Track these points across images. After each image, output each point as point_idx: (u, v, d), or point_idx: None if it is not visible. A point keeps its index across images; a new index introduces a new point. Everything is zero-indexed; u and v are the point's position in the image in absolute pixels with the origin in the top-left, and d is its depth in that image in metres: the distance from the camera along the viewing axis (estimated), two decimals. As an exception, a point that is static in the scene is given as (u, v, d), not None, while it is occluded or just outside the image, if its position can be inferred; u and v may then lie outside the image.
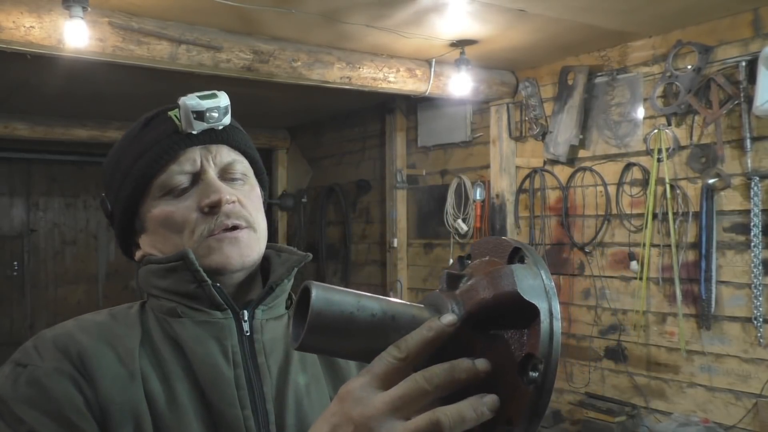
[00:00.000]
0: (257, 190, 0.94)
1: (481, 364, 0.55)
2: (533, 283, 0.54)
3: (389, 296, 0.62)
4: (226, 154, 0.90)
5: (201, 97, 0.86)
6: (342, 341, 0.56)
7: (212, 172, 0.88)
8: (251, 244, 0.88)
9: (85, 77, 4.45)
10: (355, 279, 6.32)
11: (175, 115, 0.87)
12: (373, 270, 6.08)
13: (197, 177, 0.88)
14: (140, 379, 0.78)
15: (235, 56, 3.52)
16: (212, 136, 0.89)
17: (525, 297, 0.52)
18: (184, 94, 0.87)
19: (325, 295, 0.55)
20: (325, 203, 6.72)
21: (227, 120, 0.89)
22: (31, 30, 2.93)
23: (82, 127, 6.12)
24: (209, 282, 0.83)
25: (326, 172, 6.79)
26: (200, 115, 0.86)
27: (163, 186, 0.87)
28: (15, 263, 7.53)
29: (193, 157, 0.87)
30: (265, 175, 0.99)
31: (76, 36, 2.86)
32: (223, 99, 0.88)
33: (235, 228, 0.86)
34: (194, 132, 0.87)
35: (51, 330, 0.81)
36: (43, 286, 7.67)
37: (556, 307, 0.53)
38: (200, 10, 3.21)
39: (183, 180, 0.87)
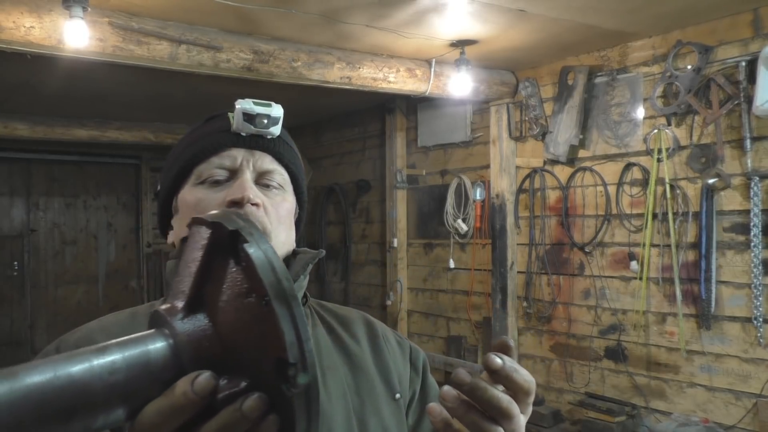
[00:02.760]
0: (290, 204, 0.94)
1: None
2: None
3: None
4: (268, 163, 0.92)
5: (256, 103, 0.91)
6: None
7: (248, 174, 0.90)
8: None
9: (85, 77, 4.45)
10: (355, 279, 6.33)
11: (233, 116, 0.92)
12: (373, 270, 6.07)
13: (234, 174, 0.90)
14: None
15: (235, 56, 3.52)
16: (260, 143, 0.92)
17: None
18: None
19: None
20: (325, 203, 6.72)
21: (276, 131, 0.92)
22: (31, 30, 2.92)
23: (82, 127, 6.12)
24: None
25: (326, 172, 6.79)
26: (250, 118, 0.90)
27: (200, 174, 0.91)
28: (15, 263, 7.52)
29: (235, 155, 0.91)
30: (305, 195, 1.00)
31: (76, 36, 2.86)
32: (275, 110, 0.91)
33: None
34: (243, 134, 0.91)
35: (72, 333, 0.83)
36: (43, 286, 7.67)
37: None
38: (200, 10, 3.21)
39: (220, 173, 0.90)
